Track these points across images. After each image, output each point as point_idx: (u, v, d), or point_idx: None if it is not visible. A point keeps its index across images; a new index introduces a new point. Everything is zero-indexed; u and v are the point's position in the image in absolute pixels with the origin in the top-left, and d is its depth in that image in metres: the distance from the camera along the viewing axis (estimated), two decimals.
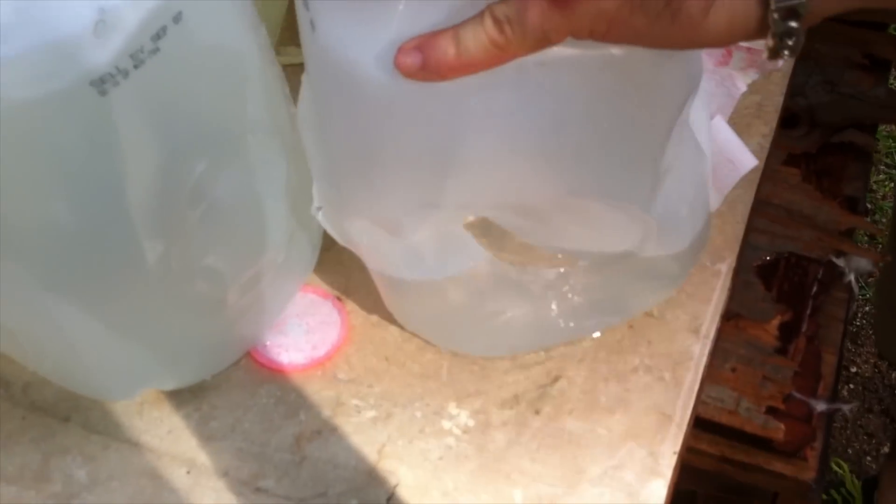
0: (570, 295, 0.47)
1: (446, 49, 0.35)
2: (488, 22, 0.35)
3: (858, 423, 1.70)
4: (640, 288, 0.49)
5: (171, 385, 0.49)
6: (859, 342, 1.79)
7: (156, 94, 0.36)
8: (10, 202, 0.37)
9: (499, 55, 0.35)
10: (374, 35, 0.35)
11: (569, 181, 0.39)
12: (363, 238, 0.44)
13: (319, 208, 0.45)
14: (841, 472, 1.55)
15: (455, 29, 0.35)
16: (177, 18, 0.36)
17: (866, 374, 1.76)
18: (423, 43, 0.35)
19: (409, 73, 0.35)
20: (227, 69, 0.40)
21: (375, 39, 0.35)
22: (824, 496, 1.48)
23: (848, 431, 1.68)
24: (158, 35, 0.35)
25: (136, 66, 0.35)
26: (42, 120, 0.34)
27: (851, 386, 1.74)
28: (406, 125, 0.37)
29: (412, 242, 0.42)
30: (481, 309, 0.48)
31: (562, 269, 0.47)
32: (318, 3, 0.36)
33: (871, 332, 1.80)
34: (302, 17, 0.38)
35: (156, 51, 0.35)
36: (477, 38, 0.35)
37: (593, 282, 0.46)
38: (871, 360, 1.78)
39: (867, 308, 1.84)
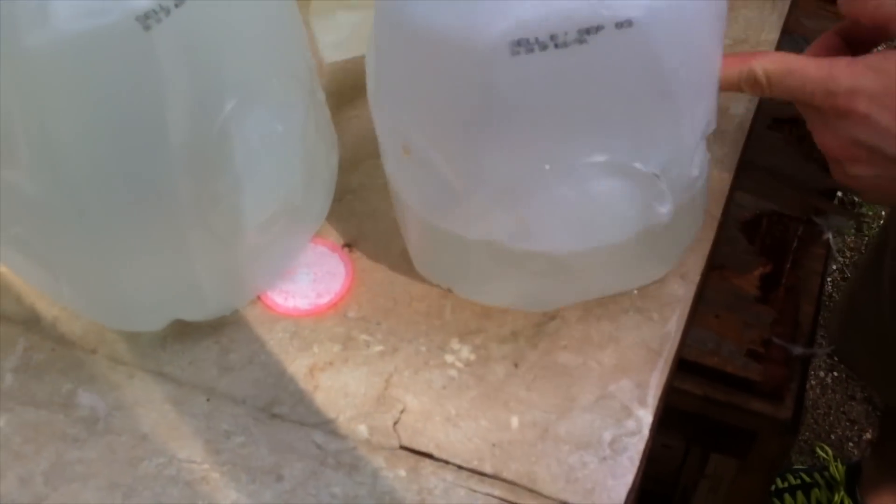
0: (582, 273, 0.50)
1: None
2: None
3: (842, 409, 1.74)
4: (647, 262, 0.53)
5: (193, 316, 0.52)
6: None
7: (193, 32, 0.40)
8: (55, 130, 0.40)
9: None
10: None
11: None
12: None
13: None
14: (825, 456, 1.59)
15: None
16: None
17: None
18: None
19: None
20: (256, 14, 0.44)
21: None
22: (808, 478, 1.51)
23: (831, 418, 1.72)
24: None
25: (176, 5, 0.39)
26: (92, 51, 0.38)
27: (835, 374, 1.78)
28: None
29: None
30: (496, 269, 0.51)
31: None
32: None
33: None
34: None
35: None
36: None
37: (604, 260, 0.50)
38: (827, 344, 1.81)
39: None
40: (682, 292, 0.54)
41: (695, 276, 0.54)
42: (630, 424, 0.49)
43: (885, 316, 0.83)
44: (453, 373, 0.51)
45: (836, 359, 1.77)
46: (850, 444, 1.71)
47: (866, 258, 1.01)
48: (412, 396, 0.51)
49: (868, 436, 1.72)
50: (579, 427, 0.49)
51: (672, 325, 0.52)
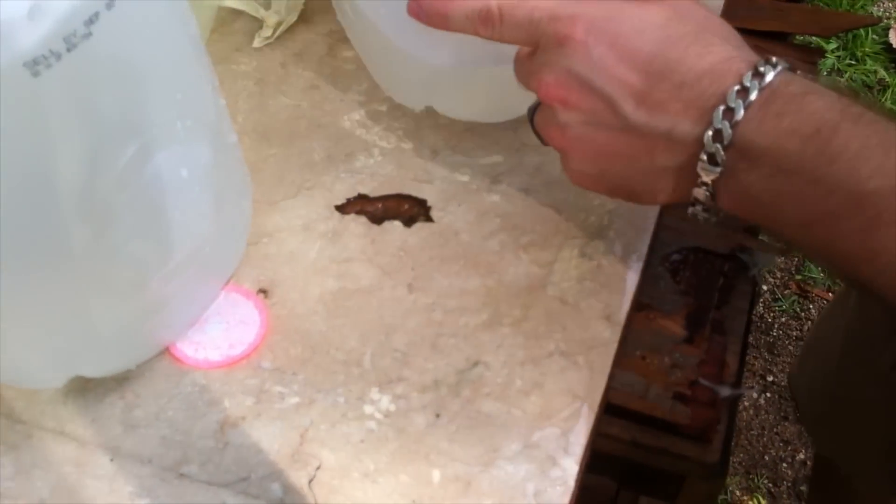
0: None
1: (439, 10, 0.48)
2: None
3: (775, 430, 1.75)
4: None
5: (95, 373, 0.49)
6: (776, 352, 1.85)
7: (87, 77, 0.37)
8: None
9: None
10: None
11: None
12: None
13: None
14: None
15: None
16: (109, 5, 0.37)
17: (782, 383, 1.81)
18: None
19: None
20: (157, 56, 0.41)
21: None
22: None
23: (765, 438, 1.74)
24: (91, 20, 0.36)
25: (68, 50, 0.36)
26: None
27: (768, 394, 1.79)
28: None
29: None
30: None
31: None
32: None
33: (788, 343, 1.87)
34: None
35: (88, 35, 0.36)
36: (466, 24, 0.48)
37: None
38: (787, 370, 1.84)
39: (783, 319, 1.90)
40: (608, 335, 0.53)
41: (620, 318, 0.53)
42: (555, 475, 0.48)
43: (837, 355, 0.82)
44: (372, 425, 0.49)
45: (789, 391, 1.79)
46: (784, 464, 1.72)
47: (839, 289, 1.00)
48: (329, 451, 0.48)
49: (801, 456, 1.74)
50: (503, 479, 0.47)
51: (598, 369, 0.51)
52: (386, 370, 0.52)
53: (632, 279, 0.55)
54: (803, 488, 1.66)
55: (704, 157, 0.43)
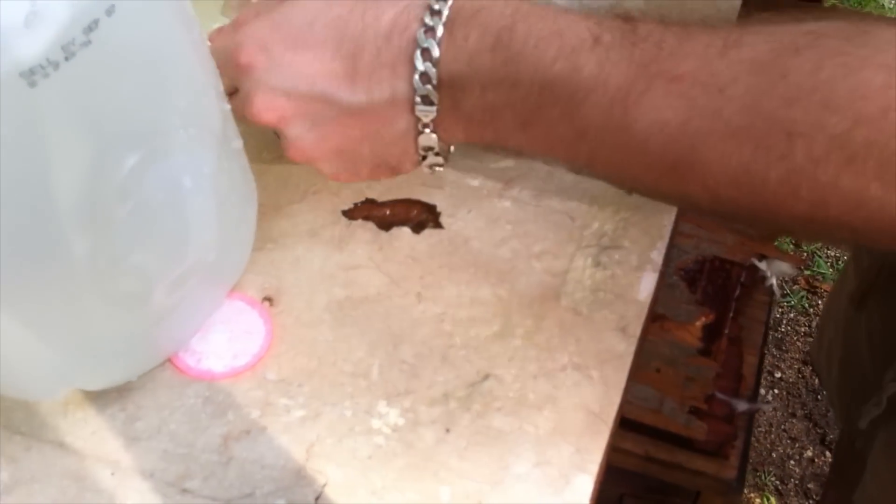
0: None
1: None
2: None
3: (783, 427, 1.74)
4: None
5: (95, 385, 0.48)
6: (784, 348, 1.84)
7: (87, 86, 0.36)
8: None
9: None
10: None
11: None
12: None
13: None
14: None
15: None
16: (109, 11, 0.35)
17: (790, 380, 1.80)
18: None
19: None
20: (159, 63, 0.40)
21: None
22: None
23: (772, 436, 1.72)
24: (90, 28, 0.35)
25: (67, 59, 0.34)
26: None
27: (776, 391, 1.78)
28: None
29: None
30: None
31: None
32: None
33: (796, 339, 1.85)
34: None
35: (87, 43, 0.35)
36: None
37: None
38: (795, 366, 1.82)
39: (791, 315, 1.88)
40: (623, 348, 0.51)
41: (635, 331, 0.52)
42: (569, 494, 0.46)
43: (843, 322, 0.81)
44: (380, 440, 0.48)
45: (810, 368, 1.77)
46: (792, 462, 1.71)
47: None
48: (335, 467, 0.47)
49: (809, 453, 1.72)
50: (514, 498, 0.46)
51: (612, 384, 0.50)
52: (394, 382, 0.50)
53: (647, 289, 0.54)
54: (811, 486, 1.65)
55: (419, 100, 0.44)
